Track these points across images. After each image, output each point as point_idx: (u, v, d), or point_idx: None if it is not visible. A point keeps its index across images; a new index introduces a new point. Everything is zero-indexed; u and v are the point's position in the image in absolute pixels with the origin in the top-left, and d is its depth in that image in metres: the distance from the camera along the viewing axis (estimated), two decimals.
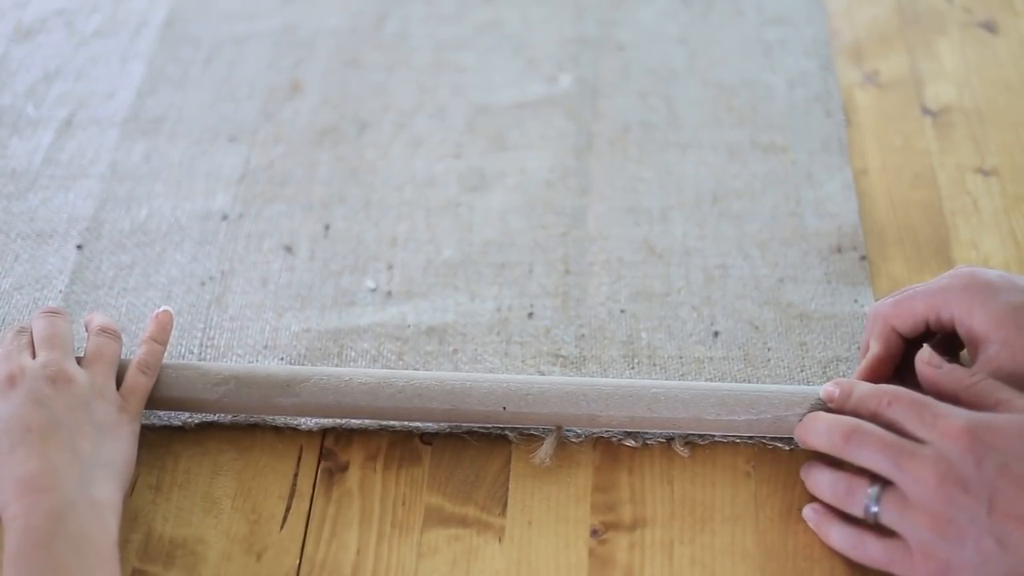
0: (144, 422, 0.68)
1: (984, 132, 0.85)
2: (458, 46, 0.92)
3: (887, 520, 0.60)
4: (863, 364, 0.66)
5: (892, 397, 0.61)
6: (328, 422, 0.68)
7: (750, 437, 0.67)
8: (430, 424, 0.68)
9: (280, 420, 0.69)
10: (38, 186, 0.82)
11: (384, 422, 0.68)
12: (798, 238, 0.78)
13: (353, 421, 0.68)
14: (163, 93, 0.88)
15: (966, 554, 0.57)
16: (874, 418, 0.61)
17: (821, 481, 0.63)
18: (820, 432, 0.62)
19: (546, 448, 0.67)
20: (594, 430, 0.67)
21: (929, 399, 0.60)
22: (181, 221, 0.80)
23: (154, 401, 0.67)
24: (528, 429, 0.68)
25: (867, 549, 0.61)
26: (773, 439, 0.67)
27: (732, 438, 0.68)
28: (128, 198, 0.81)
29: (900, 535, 0.59)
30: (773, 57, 0.90)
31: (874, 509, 0.60)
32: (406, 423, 0.68)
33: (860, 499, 0.60)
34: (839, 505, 0.62)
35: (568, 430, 0.68)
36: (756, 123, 0.85)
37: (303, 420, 0.68)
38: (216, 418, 0.69)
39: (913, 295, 0.65)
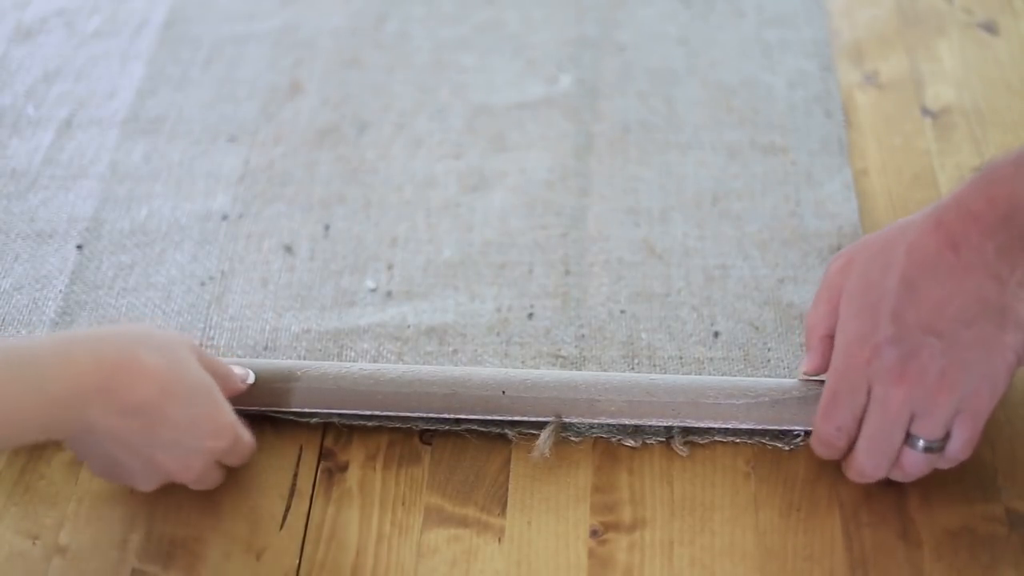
0: None
1: (984, 133, 0.85)
2: (458, 46, 0.92)
3: (935, 432, 0.61)
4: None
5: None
6: (328, 414, 0.68)
7: (750, 437, 0.67)
8: (431, 415, 0.68)
9: (281, 416, 0.68)
10: (38, 186, 0.82)
11: (383, 412, 0.68)
12: (798, 238, 0.78)
13: (353, 413, 0.68)
14: (163, 93, 0.88)
15: (966, 375, 0.59)
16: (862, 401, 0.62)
17: (867, 467, 0.64)
18: (873, 466, 0.63)
19: (544, 439, 0.67)
20: (593, 421, 0.67)
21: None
22: (181, 221, 0.80)
23: None
24: (528, 429, 0.68)
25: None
26: (773, 439, 0.67)
27: (732, 438, 0.68)
28: (128, 198, 0.81)
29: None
30: (773, 57, 0.90)
31: (921, 443, 0.61)
32: (406, 417, 0.68)
33: (913, 454, 0.62)
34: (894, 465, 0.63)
35: (567, 427, 0.67)
36: (756, 123, 0.85)
37: (304, 414, 0.68)
38: None
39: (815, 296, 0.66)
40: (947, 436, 0.61)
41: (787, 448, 0.67)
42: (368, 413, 0.68)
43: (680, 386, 0.67)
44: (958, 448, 0.62)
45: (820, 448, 0.65)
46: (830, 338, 0.64)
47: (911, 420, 0.61)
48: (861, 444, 0.63)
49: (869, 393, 0.61)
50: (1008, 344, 0.59)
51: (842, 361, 0.62)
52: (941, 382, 0.60)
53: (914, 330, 0.59)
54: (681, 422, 0.67)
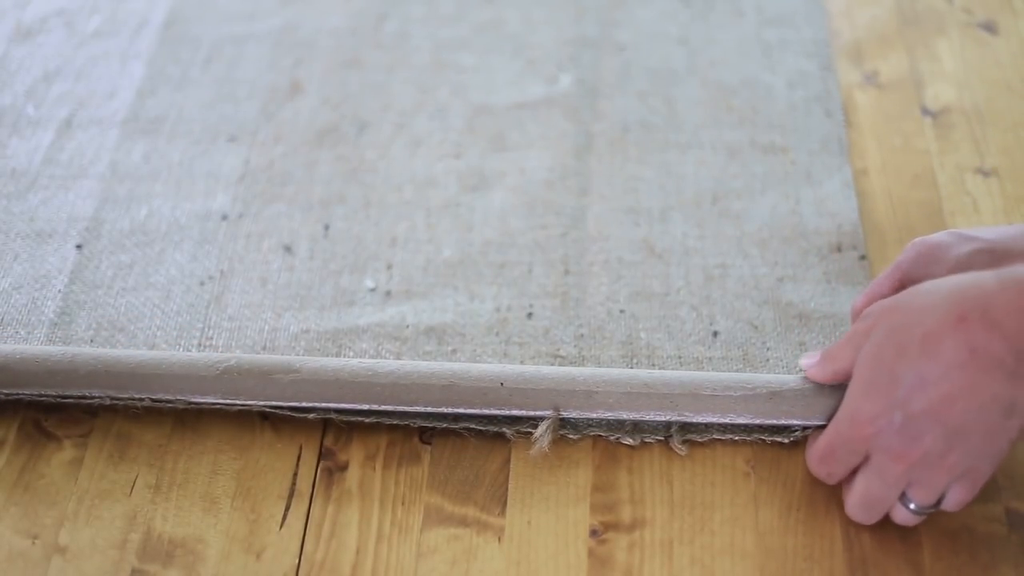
0: (142, 403, 0.68)
1: (984, 132, 0.85)
2: (458, 46, 0.92)
3: (928, 500, 0.62)
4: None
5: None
6: (326, 407, 0.68)
7: (748, 434, 0.67)
8: (429, 409, 0.67)
9: (280, 411, 0.68)
10: (38, 186, 0.82)
11: (381, 407, 0.68)
12: (798, 237, 0.78)
13: (352, 408, 0.68)
14: (163, 93, 0.88)
15: (969, 443, 0.59)
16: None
17: (857, 517, 0.64)
18: (864, 517, 0.64)
19: (543, 432, 0.66)
20: (591, 416, 0.67)
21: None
22: (181, 221, 0.80)
23: (151, 381, 0.67)
24: (526, 428, 0.68)
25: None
26: (772, 436, 0.67)
27: (731, 436, 0.68)
28: (128, 198, 0.81)
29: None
30: (773, 57, 0.90)
31: (913, 506, 0.62)
32: (405, 412, 0.68)
33: (904, 512, 0.63)
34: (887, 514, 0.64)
35: (564, 424, 0.67)
36: (756, 123, 0.85)
37: (302, 409, 0.68)
38: (216, 406, 0.68)
39: (878, 281, 0.66)
40: (940, 498, 0.62)
41: (787, 441, 0.67)
42: (366, 408, 0.68)
43: (678, 379, 0.67)
44: (951, 506, 0.62)
45: (812, 473, 0.66)
46: (844, 374, 0.64)
47: (907, 485, 0.62)
48: (854, 498, 0.63)
49: (867, 455, 0.62)
50: (1012, 426, 0.59)
51: (845, 426, 0.62)
52: (942, 463, 0.60)
53: (921, 417, 0.59)
54: (679, 415, 0.67)
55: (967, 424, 0.59)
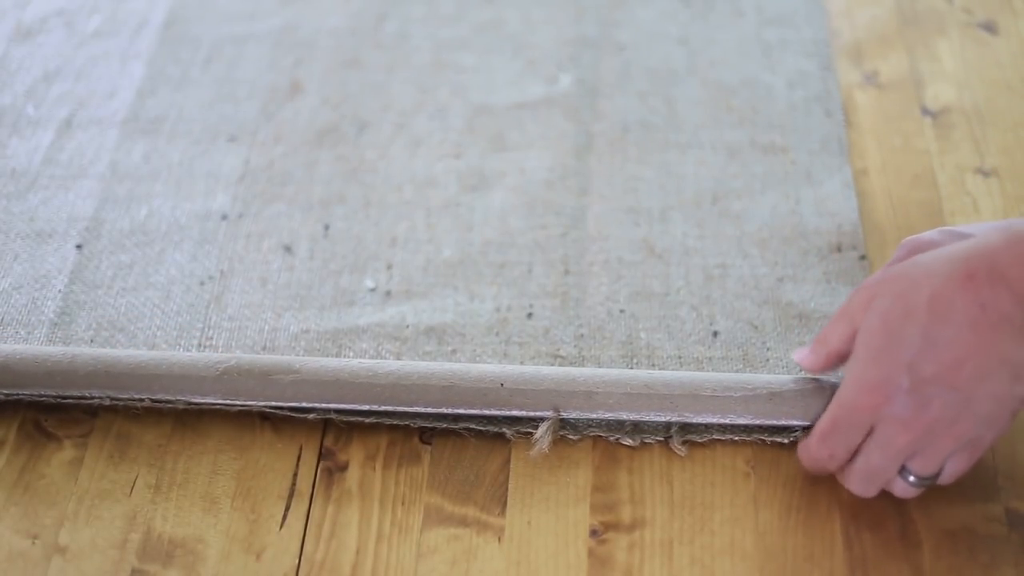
0: (142, 403, 0.68)
1: (984, 132, 0.85)
2: (458, 46, 0.92)
3: (930, 470, 0.62)
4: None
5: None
6: (326, 408, 0.68)
7: (748, 434, 0.67)
8: (429, 409, 0.67)
9: (280, 411, 0.68)
10: (38, 186, 0.82)
11: (381, 407, 0.68)
12: (798, 237, 0.78)
13: (351, 408, 0.68)
14: (163, 93, 0.88)
15: (973, 421, 0.59)
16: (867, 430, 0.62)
17: (855, 490, 0.64)
18: (863, 489, 0.64)
19: (543, 433, 0.66)
20: (591, 416, 0.67)
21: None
22: (181, 221, 0.80)
23: (151, 381, 0.67)
24: (526, 428, 0.68)
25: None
26: (772, 435, 0.67)
27: (731, 436, 0.68)
28: (128, 198, 0.81)
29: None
30: (773, 57, 0.90)
31: (912, 479, 0.62)
32: (405, 413, 0.68)
33: (903, 484, 0.63)
34: (887, 487, 0.64)
35: (564, 424, 0.67)
36: (756, 123, 0.85)
37: (302, 409, 0.68)
38: (216, 407, 0.68)
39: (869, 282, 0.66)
40: (940, 470, 0.62)
41: (786, 441, 0.67)
42: (367, 408, 0.68)
43: (678, 379, 0.67)
44: (947, 477, 0.62)
45: (808, 464, 0.65)
46: (837, 356, 0.63)
47: (923, 466, 0.62)
48: (855, 473, 0.63)
49: (870, 430, 0.61)
50: (1017, 395, 0.59)
51: (850, 398, 0.61)
52: (949, 431, 0.60)
53: (930, 383, 0.59)
54: (679, 416, 0.67)
55: (976, 388, 0.58)
